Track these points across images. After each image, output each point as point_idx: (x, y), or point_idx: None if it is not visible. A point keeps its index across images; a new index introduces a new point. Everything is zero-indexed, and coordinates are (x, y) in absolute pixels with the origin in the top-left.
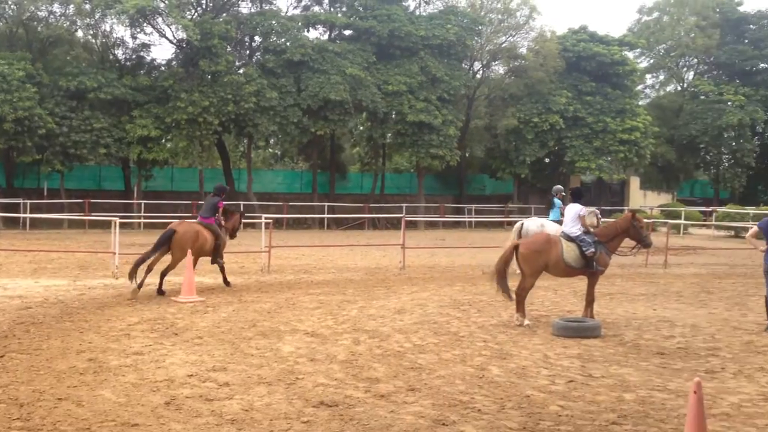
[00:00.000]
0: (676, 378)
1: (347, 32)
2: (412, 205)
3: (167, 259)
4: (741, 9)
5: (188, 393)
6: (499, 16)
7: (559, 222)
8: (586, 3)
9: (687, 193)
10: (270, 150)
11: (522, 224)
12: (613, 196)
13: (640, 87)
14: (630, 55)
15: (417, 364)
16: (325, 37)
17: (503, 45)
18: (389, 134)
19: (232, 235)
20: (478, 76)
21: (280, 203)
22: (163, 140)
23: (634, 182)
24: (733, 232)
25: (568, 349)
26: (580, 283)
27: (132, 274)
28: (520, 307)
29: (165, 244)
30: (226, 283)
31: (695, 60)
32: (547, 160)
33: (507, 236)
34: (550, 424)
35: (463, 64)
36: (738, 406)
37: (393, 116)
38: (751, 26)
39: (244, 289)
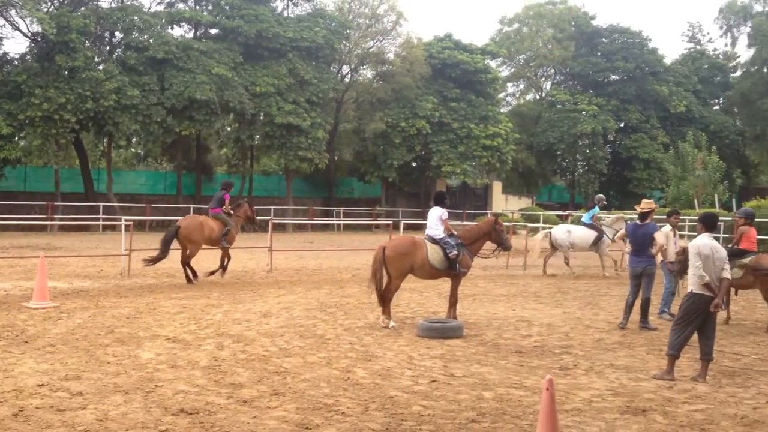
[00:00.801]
0: (533, 375)
1: (213, 31)
2: (281, 207)
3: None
4: (594, 23)
5: (38, 403)
6: (367, 21)
7: (590, 226)
8: (451, 12)
9: (545, 197)
10: (132, 150)
11: (549, 232)
12: (476, 200)
13: (502, 95)
14: (492, 63)
15: (282, 368)
16: (191, 35)
17: (371, 50)
18: (257, 136)
19: (253, 222)
20: (347, 79)
21: (143, 205)
22: (16, 138)
23: (497, 187)
24: None
25: (431, 349)
26: (445, 284)
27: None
28: (386, 309)
29: (172, 240)
30: (224, 268)
31: (552, 70)
32: (414, 164)
33: (376, 239)
34: (412, 424)
35: (332, 68)
36: (589, 401)
37: (261, 118)
38: (604, 39)
39: (102, 294)
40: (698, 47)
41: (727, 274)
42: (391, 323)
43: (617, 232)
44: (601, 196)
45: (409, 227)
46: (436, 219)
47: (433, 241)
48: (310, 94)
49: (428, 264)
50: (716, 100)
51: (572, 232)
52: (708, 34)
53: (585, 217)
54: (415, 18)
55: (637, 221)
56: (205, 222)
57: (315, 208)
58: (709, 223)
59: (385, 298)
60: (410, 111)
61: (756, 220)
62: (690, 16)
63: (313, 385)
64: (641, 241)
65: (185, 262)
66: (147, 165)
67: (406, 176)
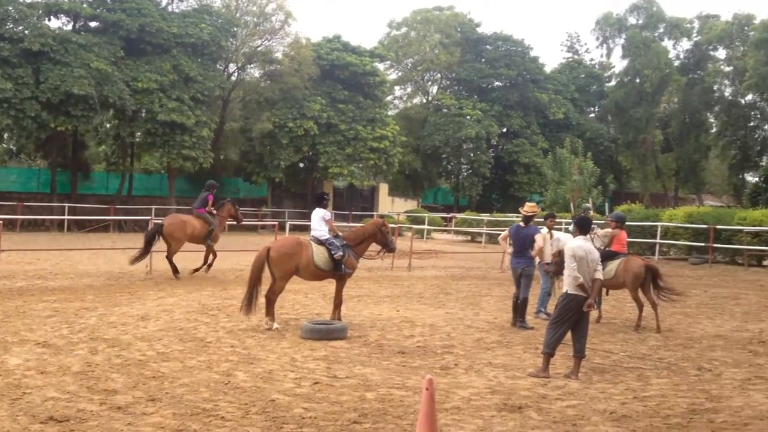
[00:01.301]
0: (415, 375)
1: (93, 24)
2: (163, 207)
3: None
4: (479, 30)
5: None
6: (255, 19)
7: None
8: (340, 14)
9: (431, 200)
10: (4, 145)
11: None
12: (363, 201)
13: (389, 98)
14: (380, 66)
15: (159, 373)
16: (69, 27)
17: (259, 48)
18: (138, 133)
19: (237, 221)
20: (234, 78)
21: (14, 203)
22: None
23: (383, 189)
24: (470, 237)
25: (315, 351)
26: (330, 286)
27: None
28: (270, 311)
29: (153, 238)
30: (208, 265)
31: (439, 75)
32: (301, 165)
33: (261, 240)
34: (293, 426)
35: (218, 65)
36: (468, 400)
37: (143, 115)
38: (488, 47)
39: None
40: (576, 57)
41: (599, 275)
42: (275, 325)
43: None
44: (588, 205)
45: (295, 228)
46: (318, 220)
47: (319, 242)
48: (195, 91)
49: (313, 265)
50: (592, 108)
51: (560, 240)
52: (585, 44)
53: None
54: (303, 18)
55: (520, 223)
56: (188, 221)
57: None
58: (582, 226)
59: (269, 300)
60: (298, 111)
61: (626, 223)
62: (569, 27)
63: (192, 389)
64: (522, 243)
65: (169, 257)
66: (19, 162)
67: (293, 177)
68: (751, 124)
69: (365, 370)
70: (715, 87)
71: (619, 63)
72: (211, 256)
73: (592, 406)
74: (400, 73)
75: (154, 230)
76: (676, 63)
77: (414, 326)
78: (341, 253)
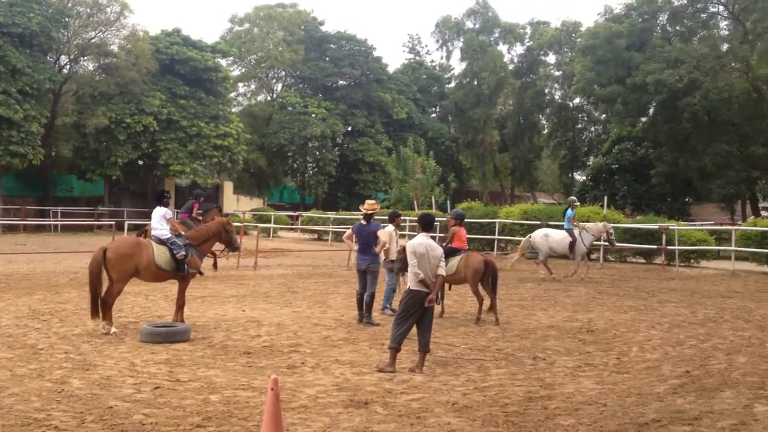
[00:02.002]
0: (261, 376)
1: None
2: None
3: None
4: (323, 29)
5: None
6: (88, 10)
7: (568, 231)
8: (180, 7)
9: (277, 198)
10: None
11: (530, 236)
12: (207, 200)
13: (233, 94)
14: (223, 62)
15: None
16: None
17: (93, 40)
18: None
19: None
20: (66, 70)
21: None
22: None
23: (228, 187)
24: (316, 235)
25: (156, 355)
26: (173, 286)
27: None
28: (107, 315)
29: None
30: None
31: (283, 72)
32: (140, 162)
33: (98, 240)
34: None
35: (49, 57)
36: (315, 398)
37: None
38: (332, 45)
39: None
40: (418, 58)
41: (442, 271)
42: (113, 329)
43: (596, 238)
44: (573, 198)
45: (134, 228)
46: (159, 219)
47: (160, 241)
48: (23, 84)
49: (154, 265)
50: (434, 109)
51: (549, 236)
52: (426, 46)
53: (565, 222)
54: (141, 10)
55: (362, 221)
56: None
57: (28, 207)
58: (425, 223)
59: (106, 303)
60: (136, 107)
61: (466, 220)
62: (410, 29)
63: (23, 399)
64: (366, 240)
65: None
66: None
67: (131, 174)
68: (579, 126)
69: (209, 372)
70: (547, 90)
71: (458, 65)
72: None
73: (435, 398)
74: (243, 70)
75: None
76: (511, 67)
77: (260, 326)
78: (184, 253)
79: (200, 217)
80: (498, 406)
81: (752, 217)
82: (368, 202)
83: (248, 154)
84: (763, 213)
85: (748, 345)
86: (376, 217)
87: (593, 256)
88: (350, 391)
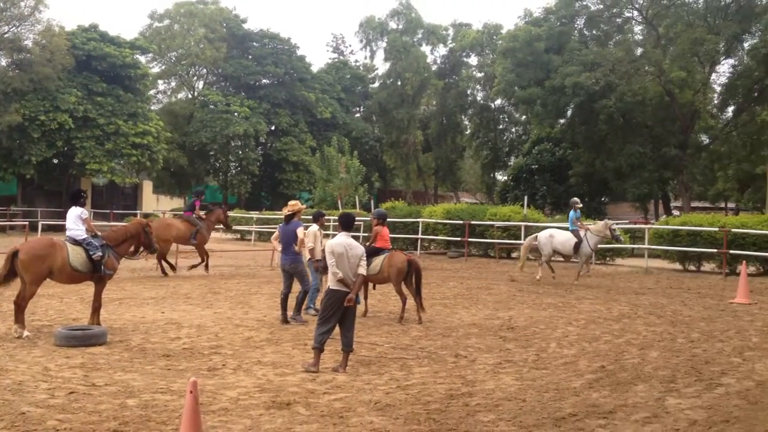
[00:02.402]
0: (180, 379)
1: None
2: None
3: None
4: (246, 26)
5: None
6: (1, 4)
7: (573, 232)
8: (97, 2)
9: None
10: None
11: (536, 236)
12: (125, 199)
13: (152, 92)
14: (142, 59)
15: None
16: None
17: (6, 35)
18: None
19: (226, 226)
20: None
21: None
22: None
23: (148, 186)
24: (239, 235)
25: (71, 359)
26: (89, 289)
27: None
28: (20, 318)
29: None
30: (205, 265)
31: (205, 70)
32: (55, 161)
33: (10, 241)
34: None
35: None
36: (236, 400)
37: None
38: (255, 43)
39: None
40: (342, 58)
41: (363, 270)
42: (25, 333)
43: (601, 239)
44: (576, 199)
45: (48, 228)
46: (75, 219)
47: (75, 242)
48: None
49: (69, 267)
50: (358, 108)
51: (554, 237)
52: (350, 46)
53: (570, 224)
54: (56, 5)
55: (285, 221)
56: (173, 223)
57: None
58: (345, 223)
59: (19, 306)
60: (51, 104)
61: (390, 219)
62: (334, 28)
63: None
64: (288, 239)
65: (159, 258)
66: None
67: (46, 173)
68: (501, 127)
69: (127, 376)
70: (469, 91)
71: (382, 65)
72: (204, 256)
73: (358, 397)
74: (163, 67)
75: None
76: (434, 67)
77: (180, 328)
78: (100, 254)
79: (203, 215)
80: (420, 404)
81: (664, 216)
82: (290, 202)
83: (168, 152)
84: (675, 212)
85: (660, 340)
86: (303, 217)
87: (514, 254)
88: (272, 392)
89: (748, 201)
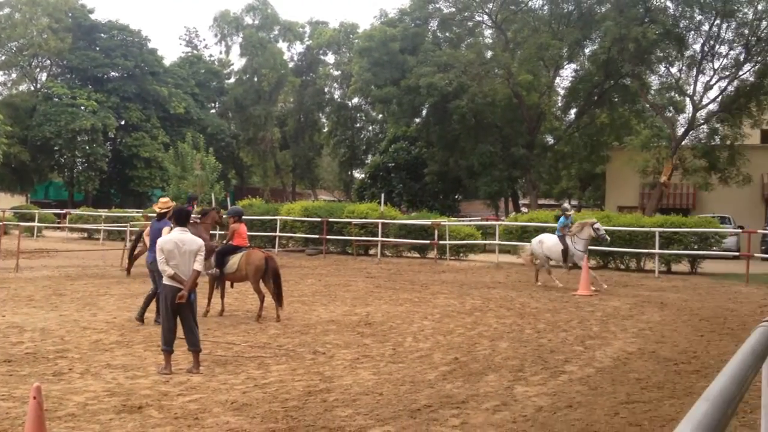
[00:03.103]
0: (23, 384)
1: None
2: None
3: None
4: (93, 17)
5: None
6: None
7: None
8: None
9: (41, 195)
10: None
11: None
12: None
13: None
14: None
15: None
16: None
17: None
18: None
19: (222, 225)
20: None
21: None
22: None
23: None
24: (86, 234)
25: None
26: None
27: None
28: None
29: (136, 244)
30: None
31: (48, 61)
32: None
33: None
34: None
35: None
36: (84, 405)
37: None
38: (103, 35)
39: None
40: (196, 52)
41: (198, 266)
42: None
43: (588, 240)
44: (567, 206)
45: None
46: None
47: None
48: None
49: None
50: (213, 104)
51: (543, 243)
52: (204, 40)
53: (557, 230)
54: None
55: (156, 219)
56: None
57: None
58: (178, 218)
59: None
60: None
61: (247, 217)
62: (188, 21)
63: None
64: (155, 238)
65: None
66: None
67: None
68: (358, 125)
69: None
70: (326, 89)
71: (237, 61)
72: None
73: (214, 398)
74: (3, 57)
75: (137, 236)
76: (291, 65)
77: (23, 332)
78: None
79: (198, 219)
80: (278, 401)
81: (513, 213)
82: (161, 200)
83: (8, 147)
84: (523, 209)
85: (510, 331)
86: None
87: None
88: (123, 396)
89: (589, 198)
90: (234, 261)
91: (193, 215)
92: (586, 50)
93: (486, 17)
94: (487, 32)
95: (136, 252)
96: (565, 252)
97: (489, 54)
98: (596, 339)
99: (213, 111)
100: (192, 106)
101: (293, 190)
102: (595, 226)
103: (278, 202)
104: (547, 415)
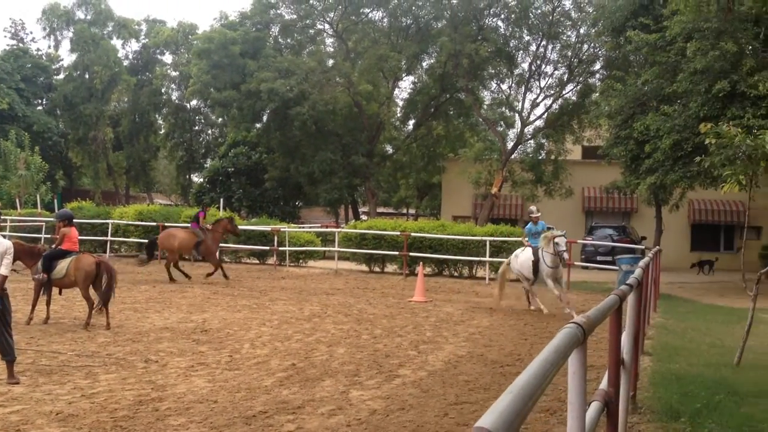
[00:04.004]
0: None
1: None
2: None
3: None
4: None
5: None
6: None
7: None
8: None
9: None
10: None
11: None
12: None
13: None
14: None
15: None
16: None
17: None
18: None
19: (236, 235)
20: None
21: None
22: None
23: None
24: None
25: None
26: None
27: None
28: None
29: (151, 247)
30: (224, 275)
31: None
32: None
33: None
34: None
35: None
36: None
37: None
38: None
39: None
40: (21, 45)
41: (4, 270)
42: None
43: (553, 253)
44: (533, 208)
45: None
46: None
47: None
48: None
49: None
50: (40, 101)
51: (518, 258)
52: (31, 33)
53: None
54: None
55: None
56: (176, 233)
57: None
58: None
59: None
60: None
61: (77, 220)
62: (13, 13)
63: None
64: None
65: (167, 265)
66: None
67: None
68: (196, 128)
69: None
70: (164, 90)
71: (68, 56)
72: (216, 267)
73: (37, 408)
74: None
75: (152, 241)
76: (126, 63)
77: None
78: None
79: (209, 226)
80: (107, 412)
81: (353, 221)
82: None
83: None
84: (363, 217)
85: (347, 337)
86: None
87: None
88: None
89: (426, 207)
90: (62, 266)
91: (202, 223)
92: (424, 63)
93: (327, 26)
94: (329, 41)
95: None
96: (536, 265)
97: (330, 62)
98: (429, 344)
99: (40, 108)
100: (17, 102)
101: (127, 193)
102: (557, 240)
103: (110, 205)
104: (381, 418)
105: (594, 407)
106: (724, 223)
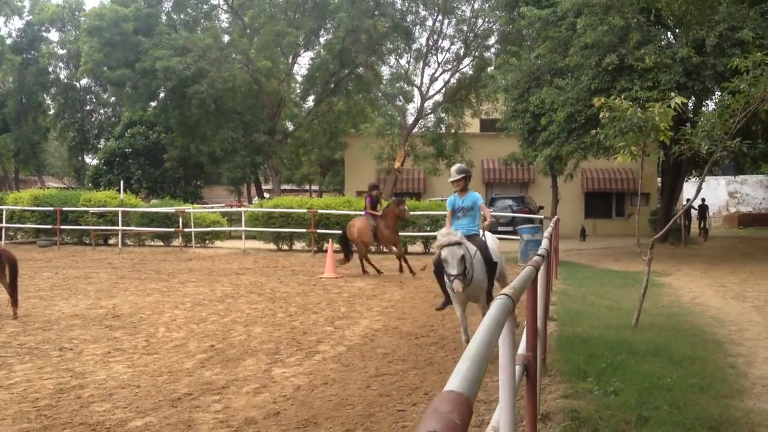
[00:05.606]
0: None
1: None
2: None
3: None
4: None
5: None
6: None
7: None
8: None
9: None
10: None
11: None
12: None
13: None
14: None
15: None
16: None
17: None
18: None
19: (405, 219)
20: None
21: None
22: None
23: None
24: None
25: None
26: None
27: None
28: None
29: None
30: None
31: None
32: None
33: None
34: None
35: None
36: None
37: None
38: None
39: None
40: None
41: None
42: None
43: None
44: (454, 168)
45: None
46: None
47: None
48: None
49: None
50: None
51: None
52: None
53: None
54: None
55: None
56: (353, 223)
57: None
58: None
59: None
60: None
61: None
62: None
63: None
64: None
65: (360, 259)
66: None
67: None
68: (88, 107)
69: None
70: (51, 69)
71: None
72: (400, 259)
73: None
74: None
75: (341, 236)
76: (9, 41)
77: None
78: None
79: (378, 213)
80: (28, 401)
81: (257, 199)
82: None
83: None
84: (266, 195)
85: (262, 316)
86: None
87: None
88: None
89: (329, 183)
90: None
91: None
92: (322, 39)
93: (222, 1)
94: (224, 16)
95: None
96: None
97: (226, 39)
98: (345, 319)
99: None
100: None
101: (16, 177)
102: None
103: (1, 190)
104: (306, 393)
105: (516, 371)
106: (615, 190)
